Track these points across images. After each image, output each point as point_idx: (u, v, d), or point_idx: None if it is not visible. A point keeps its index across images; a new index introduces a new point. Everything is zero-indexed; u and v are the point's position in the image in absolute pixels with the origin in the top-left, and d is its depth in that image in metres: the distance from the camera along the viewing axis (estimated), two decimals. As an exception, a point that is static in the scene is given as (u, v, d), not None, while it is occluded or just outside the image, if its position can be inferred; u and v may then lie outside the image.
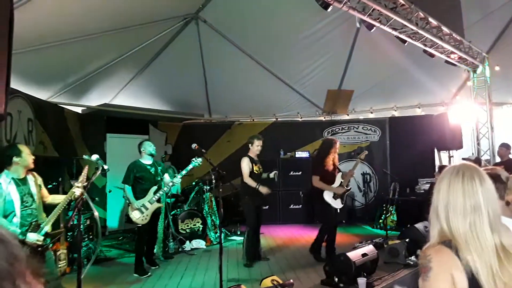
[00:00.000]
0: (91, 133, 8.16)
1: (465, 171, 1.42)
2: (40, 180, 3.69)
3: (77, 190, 3.54)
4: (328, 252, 5.69)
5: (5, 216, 3.35)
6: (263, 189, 5.55)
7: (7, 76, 3.46)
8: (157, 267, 5.59)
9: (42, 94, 7.05)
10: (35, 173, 3.68)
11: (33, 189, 3.56)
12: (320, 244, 5.75)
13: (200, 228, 7.01)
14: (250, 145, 5.85)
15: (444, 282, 1.28)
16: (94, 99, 8.17)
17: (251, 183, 5.59)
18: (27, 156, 3.52)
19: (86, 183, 3.51)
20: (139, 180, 5.42)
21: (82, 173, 3.58)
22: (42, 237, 3.40)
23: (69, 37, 6.04)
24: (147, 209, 5.33)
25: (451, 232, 1.35)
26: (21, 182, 3.49)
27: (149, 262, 5.59)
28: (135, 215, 5.27)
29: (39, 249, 3.40)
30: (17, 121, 5.78)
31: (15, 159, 3.46)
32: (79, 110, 8.12)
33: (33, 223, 3.42)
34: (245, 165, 5.63)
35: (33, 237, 3.35)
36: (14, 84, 6.02)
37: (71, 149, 7.41)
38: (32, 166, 3.58)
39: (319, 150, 5.84)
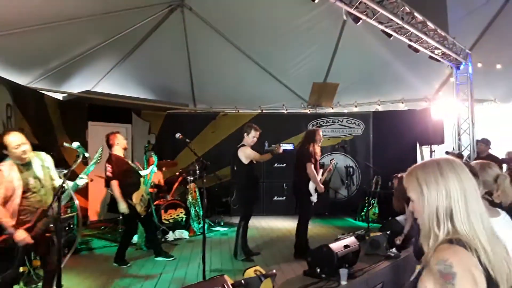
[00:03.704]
0: (72, 120, 7.98)
1: (460, 164, 1.38)
2: (48, 162, 3.47)
3: (81, 181, 3.45)
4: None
5: (6, 203, 3.15)
6: (280, 149, 5.38)
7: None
8: (173, 258, 5.48)
9: (21, 79, 6.85)
10: (42, 154, 3.46)
11: (39, 173, 3.35)
12: (305, 244, 5.47)
13: (184, 219, 6.97)
14: (246, 134, 5.51)
15: (471, 285, 1.21)
16: (76, 86, 7.99)
17: (266, 156, 5.48)
18: (13, 150, 3.23)
19: (67, 172, 3.38)
20: (126, 173, 5.28)
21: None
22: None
23: (50, 20, 5.88)
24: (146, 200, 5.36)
25: (472, 233, 1.28)
26: (24, 168, 3.28)
27: (159, 253, 5.49)
28: (139, 207, 5.24)
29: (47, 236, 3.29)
30: (-5, 106, 5.62)
31: (4, 151, 3.24)
32: (60, 96, 7.93)
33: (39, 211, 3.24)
34: (249, 151, 5.40)
35: (20, 236, 3.11)
36: (-8, 68, 5.85)
37: (52, 136, 7.25)
38: (23, 157, 3.27)
39: (306, 139, 5.61)
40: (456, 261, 1.23)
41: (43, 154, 3.49)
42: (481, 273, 1.22)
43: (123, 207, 5.11)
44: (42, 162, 3.43)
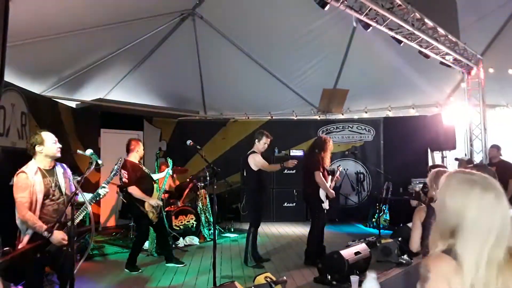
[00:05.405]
0: (85, 128, 8.10)
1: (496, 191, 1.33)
2: (69, 173, 3.46)
3: (102, 191, 3.40)
4: (318, 251, 5.61)
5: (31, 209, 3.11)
6: (289, 163, 5.33)
7: (1, 69, 3.42)
8: (183, 264, 5.50)
9: (36, 87, 6.99)
10: (65, 165, 3.46)
11: (62, 182, 3.32)
12: (318, 250, 5.45)
13: (194, 225, 7.00)
14: (256, 140, 5.57)
15: None
16: (89, 94, 8.12)
17: (274, 166, 5.58)
18: (51, 145, 3.28)
19: (80, 178, 3.35)
20: (140, 180, 5.32)
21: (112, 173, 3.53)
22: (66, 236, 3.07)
23: (64, 30, 6.00)
24: (158, 207, 5.40)
25: (467, 254, 1.26)
26: (48, 173, 3.25)
27: (170, 260, 5.51)
28: (151, 214, 5.28)
29: (64, 248, 3.10)
30: (11, 114, 5.73)
31: (37, 148, 3.23)
32: (73, 104, 8.07)
33: (58, 221, 3.12)
34: (259, 158, 5.46)
35: (58, 236, 3.10)
36: (8, 77, 5.96)
37: (65, 143, 7.31)
38: (58, 155, 3.33)
39: (315, 147, 5.66)
40: (433, 266, 1.28)
41: (65, 165, 3.50)
42: (462, 284, 1.22)
43: (153, 201, 5.24)
44: (65, 172, 3.44)
